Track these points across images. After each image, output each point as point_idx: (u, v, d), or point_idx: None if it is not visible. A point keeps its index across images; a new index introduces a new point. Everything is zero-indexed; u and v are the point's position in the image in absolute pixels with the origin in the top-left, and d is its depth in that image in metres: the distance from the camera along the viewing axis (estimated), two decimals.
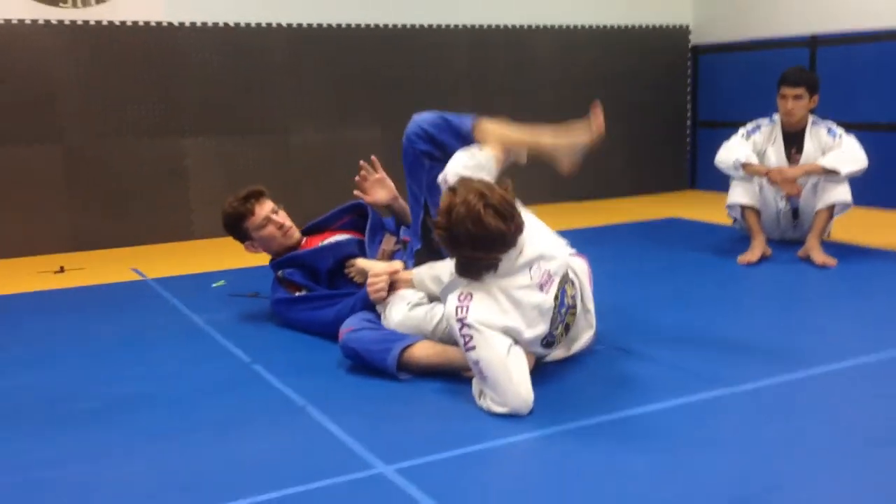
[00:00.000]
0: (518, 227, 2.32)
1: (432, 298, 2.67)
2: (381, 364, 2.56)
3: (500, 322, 2.30)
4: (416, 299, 2.68)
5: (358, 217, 3.32)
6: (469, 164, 2.55)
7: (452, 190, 2.33)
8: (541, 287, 2.37)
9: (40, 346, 3.10)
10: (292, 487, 1.91)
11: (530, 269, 2.36)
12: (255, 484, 1.92)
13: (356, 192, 3.25)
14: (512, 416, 2.24)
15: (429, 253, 2.79)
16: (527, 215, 2.47)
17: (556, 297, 2.40)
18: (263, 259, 3.39)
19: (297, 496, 1.88)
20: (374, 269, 2.81)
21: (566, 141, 2.72)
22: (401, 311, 2.67)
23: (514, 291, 2.33)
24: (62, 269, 4.47)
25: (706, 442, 2.10)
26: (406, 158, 2.78)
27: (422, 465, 2.00)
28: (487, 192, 2.27)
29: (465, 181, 2.35)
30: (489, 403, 2.29)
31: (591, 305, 2.68)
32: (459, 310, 2.31)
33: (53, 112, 4.88)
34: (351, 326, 2.69)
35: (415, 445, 2.11)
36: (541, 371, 2.51)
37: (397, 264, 2.82)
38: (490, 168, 2.57)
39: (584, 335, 2.68)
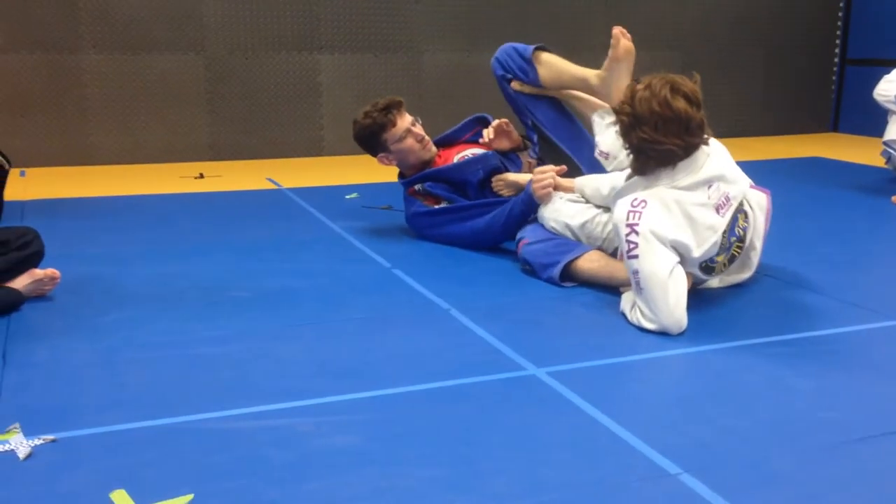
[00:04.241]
0: (703, 121, 2.23)
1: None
2: (547, 278, 2.64)
3: (671, 234, 2.22)
4: (574, 198, 2.73)
5: (483, 129, 3.26)
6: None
7: (637, 80, 2.29)
8: (717, 209, 2.28)
9: (190, 241, 3.22)
10: (448, 380, 1.93)
11: (709, 187, 2.27)
12: (410, 375, 1.95)
13: (481, 140, 3.20)
14: (663, 334, 2.20)
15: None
16: (713, 140, 2.38)
17: (728, 223, 2.31)
18: (394, 174, 3.36)
19: (453, 388, 1.89)
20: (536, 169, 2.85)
21: (606, 73, 2.91)
22: (554, 204, 2.74)
23: (690, 207, 2.24)
24: (202, 175, 4.62)
25: (873, 369, 2.01)
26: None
27: (573, 371, 1.98)
28: (680, 80, 2.23)
29: (653, 75, 2.28)
30: (639, 317, 2.24)
31: (759, 244, 2.55)
32: (631, 215, 2.23)
33: (200, 23, 4.99)
34: (525, 239, 2.76)
35: (564, 352, 2.09)
36: (695, 295, 2.43)
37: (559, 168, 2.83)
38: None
39: (742, 273, 2.58)
